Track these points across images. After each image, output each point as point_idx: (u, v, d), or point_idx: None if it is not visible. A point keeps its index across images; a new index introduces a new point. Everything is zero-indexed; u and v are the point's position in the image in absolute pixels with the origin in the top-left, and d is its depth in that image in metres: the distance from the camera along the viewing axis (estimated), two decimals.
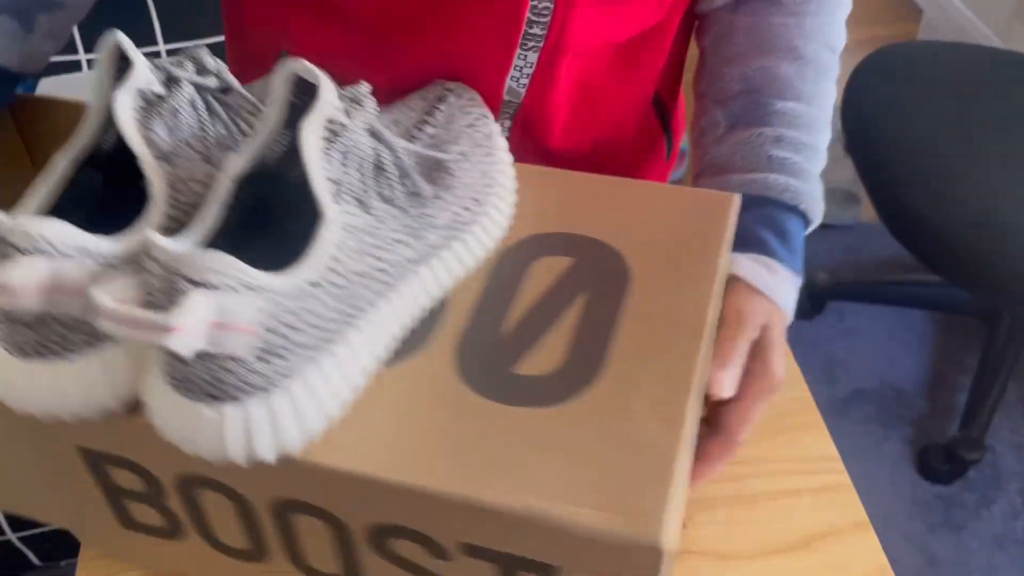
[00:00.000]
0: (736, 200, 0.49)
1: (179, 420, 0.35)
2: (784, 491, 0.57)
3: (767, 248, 0.53)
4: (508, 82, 0.56)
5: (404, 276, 0.41)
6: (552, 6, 0.52)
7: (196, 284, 0.32)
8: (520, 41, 0.54)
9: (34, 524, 1.19)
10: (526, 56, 0.54)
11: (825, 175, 1.84)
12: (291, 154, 0.38)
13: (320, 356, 0.37)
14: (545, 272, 0.45)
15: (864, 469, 1.48)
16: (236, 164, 0.37)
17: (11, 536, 1.19)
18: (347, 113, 0.38)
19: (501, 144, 0.50)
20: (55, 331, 0.36)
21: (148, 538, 0.48)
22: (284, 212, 0.39)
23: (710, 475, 0.51)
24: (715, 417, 0.51)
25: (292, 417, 0.36)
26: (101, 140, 0.40)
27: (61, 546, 1.25)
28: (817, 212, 0.57)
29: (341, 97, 0.38)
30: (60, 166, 0.39)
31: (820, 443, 0.60)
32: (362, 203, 0.39)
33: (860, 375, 1.63)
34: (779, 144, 0.56)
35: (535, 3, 0.52)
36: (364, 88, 0.39)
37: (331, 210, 0.37)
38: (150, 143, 0.38)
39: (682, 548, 0.54)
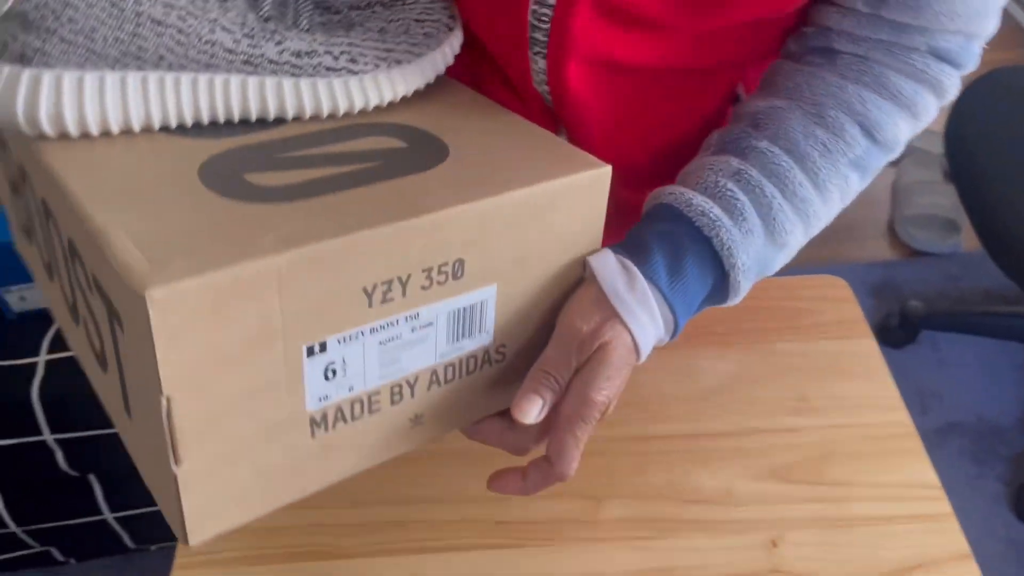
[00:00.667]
0: (603, 172, 0.45)
1: None
2: (881, 517, 0.56)
3: (642, 258, 0.46)
4: (534, 85, 0.56)
5: (219, 64, 0.43)
6: (551, 13, 0.51)
7: None
8: (530, 44, 0.54)
9: (131, 505, 1.24)
10: (537, 61, 0.54)
11: (926, 202, 1.78)
12: None
13: (86, 67, 0.41)
14: (368, 143, 0.45)
15: (956, 506, 1.43)
16: None
17: (108, 516, 1.24)
18: None
19: (442, 51, 0.50)
20: None
21: (28, 243, 0.54)
22: None
23: (523, 494, 0.48)
24: (540, 434, 0.48)
25: (29, 98, 0.40)
26: None
27: (155, 530, 1.30)
28: (739, 270, 0.48)
29: None
30: None
31: (920, 469, 0.59)
32: None
33: (954, 408, 1.57)
34: (735, 177, 0.49)
35: (535, 7, 0.52)
36: None
37: None
38: None
39: (773, 568, 0.54)
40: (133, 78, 0.42)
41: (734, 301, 0.50)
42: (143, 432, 0.40)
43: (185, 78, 0.43)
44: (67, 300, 0.47)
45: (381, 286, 0.40)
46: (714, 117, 0.61)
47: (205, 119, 0.45)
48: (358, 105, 0.47)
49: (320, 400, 0.41)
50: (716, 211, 0.48)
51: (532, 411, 0.45)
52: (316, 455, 0.42)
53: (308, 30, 0.46)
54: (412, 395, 0.45)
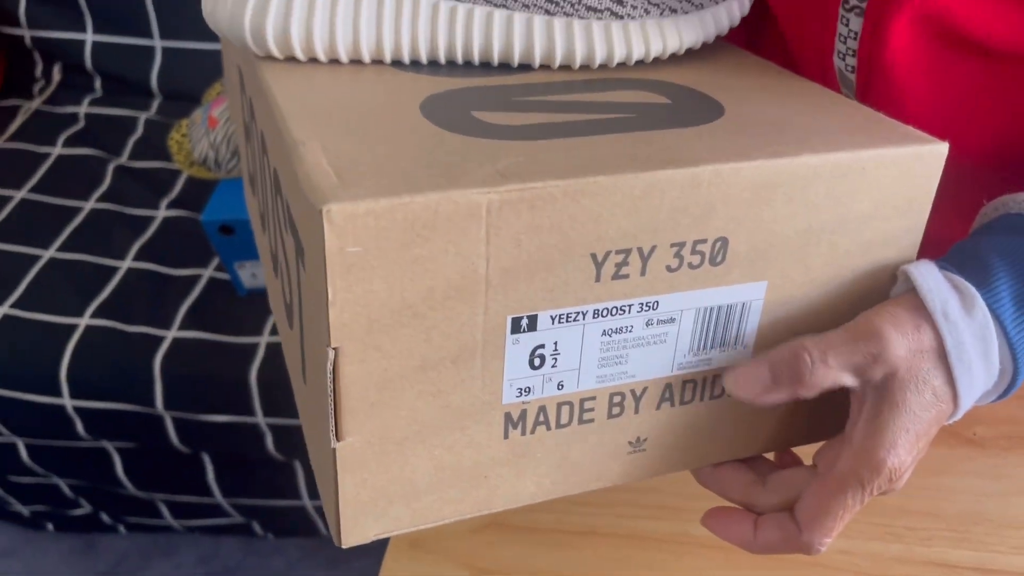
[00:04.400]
0: (938, 149, 0.34)
1: None
2: None
3: (981, 278, 0.34)
4: (835, 61, 0.45)
5: None
6: None
7: None
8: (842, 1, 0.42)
9: None
10: (849, 20, 0.43)
11: None
12: None
13: None
14: (624, 96, 0.38)
15: None
16: None
17: (307, 502, 1.25)
18: None
19: (728, 7, 0.43)
20: None
21: (251, 195, 0.52)
22: None
23: (747, 548, 0.38)
24: (793, 495, 0.37)
25: (258, 9, 0.38)
26: None
27: None
28: None
29: None
30: None
31: None
32: None
33: None
34: None
35: None
36: None
37: None
38: None
39: None
40: None
41: None
42: (313, 399, 0.34)
43: (424, 4, 0.38)
44: (271, 249, 0.43)
45: (615, 255, 0.32)
46: None
47: (442, 55, 0.40)
48: (618, 56, 0.40)
49: (520, 393, 0.34)
50: None
51: (747, 382, 0.34)
52: (506, 462, 0.35)
53: None
54: (636, 411, 0.36)
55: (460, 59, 0.40)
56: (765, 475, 0.38)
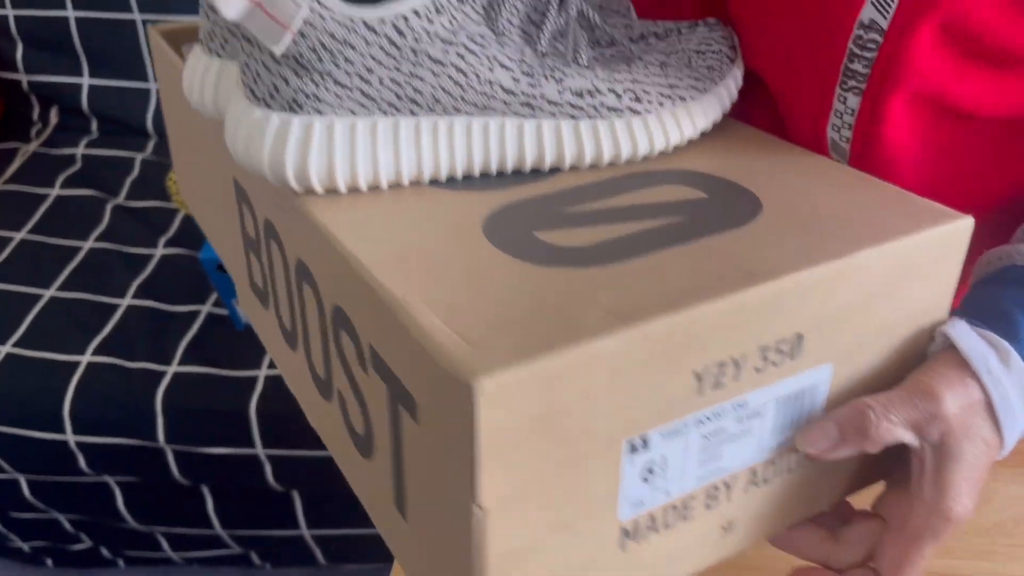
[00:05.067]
0: (965, 224, 0.38)
1: (229, 119, 0.40)
2: None
3: (1010, 331, 0.38)
4: (829, 132, 0.48)
5: (495, 107, 0.40)
6: (881, 40, 0.43)
7: None
8: (841, 79, 0.45)
9: (327, 525, 1.26)
10: (847, 99, 0.46)
11: None
12: None
13: (359, 113, 0.38)
14: (662, 194, 0.40)
15: None
16: None
17: (305, 532, 1.26)
18: None
19: (727, 85, 0.46)
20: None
21: (260, 307, 0.51)
22: None
23: None
24: (869, 549, 0.40)
25: (299, 148, 0.38)
26: None
27: (348, 552, 1.30)
28: None
29: None
30: None
31: None
32: (489, 17, 0.39)
33: None
34: None
35: (860, 32, 0.43)
36: None
37: None
38: None
39: None
40: (406, 124, 0.39)
41: None
42: (427, 544, 0.35)
43: (459, 124, 0.40)
44: (315, 373, 0.43)
45: (714, 369, 0.34)
46: None
47: (477, 170, 0.41)
48: (642, 150, 0.43)
49: (634, 507, 0.35)
50: None
51: (817, 439, 0.38)
52: (619, 570, 0.36)
53: (588, 66, 0.42)
54: (729, 498, 0.38)
55: (494, 170, 0.42)
56: (834, 529, 0.41)
